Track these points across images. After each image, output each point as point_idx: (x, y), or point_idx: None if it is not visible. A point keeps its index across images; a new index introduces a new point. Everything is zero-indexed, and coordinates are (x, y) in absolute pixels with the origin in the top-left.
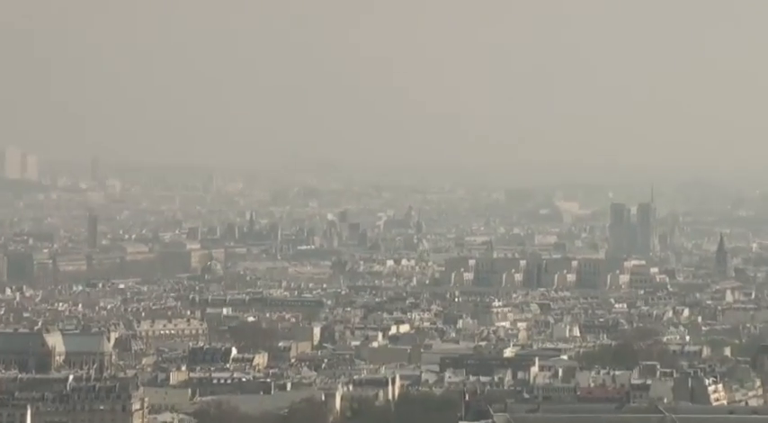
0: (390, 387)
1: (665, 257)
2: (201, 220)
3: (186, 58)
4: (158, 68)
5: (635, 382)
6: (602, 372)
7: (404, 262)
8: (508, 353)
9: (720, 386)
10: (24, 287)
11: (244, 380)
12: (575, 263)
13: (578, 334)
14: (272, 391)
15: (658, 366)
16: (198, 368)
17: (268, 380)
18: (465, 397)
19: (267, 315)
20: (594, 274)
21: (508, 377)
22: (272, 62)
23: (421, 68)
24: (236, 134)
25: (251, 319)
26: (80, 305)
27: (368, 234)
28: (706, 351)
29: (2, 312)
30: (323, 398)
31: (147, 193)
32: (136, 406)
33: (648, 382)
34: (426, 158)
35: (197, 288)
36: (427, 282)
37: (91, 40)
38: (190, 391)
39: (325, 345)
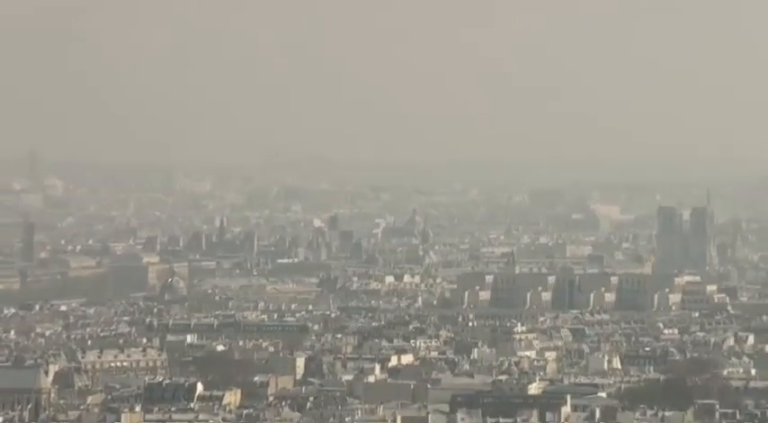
0: None
1: (724, 273)
2: (161, 228)
3: (143, 39)
4: (108, 50)
5: None
6: (649, 413)
7: (407, 278)
8: (534, 389)
9: None
10: None
11: (211, 422)
12: (614, 279)
13: (619, 366)
14: None
15: (718, 406)
16: (155, 409)
17: (241, 422)
18: None
19: (240, 343)
20: (639, 293)
21: (534, 419)
22: (243, 45)
23: (427, 43)
24: (202, 125)
25: (221, 347)
26: (12, 332)
27: (363, 244)
28: None
29: None
30: None
31: (95, 195)
32: None
33: None
34: (433, 153)
35: (155, 310)
36: (435, 302)
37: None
38: None
39: (311, 380)
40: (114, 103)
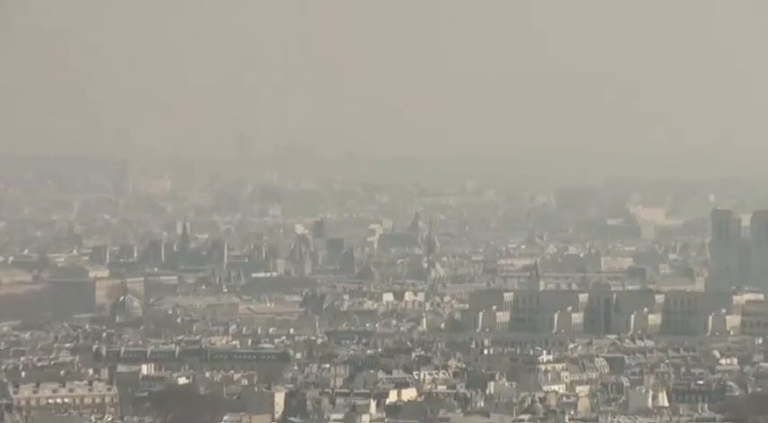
0: None
1: None
2: (111, 236)
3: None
4: (50, 25)
5: None
6: None
7: (408, 296)
8: None
9: None
10: None
11: None
12: (660, 297)
13: (666, 403)
14: None
15: None
16: None
17: None
18: None
19: (207, 375)
20: (689, 315)
21: None
22: (210, 20)
23: (432, 24)
24: (161, 112)
25: (183, 380)
26: None
27: (355, 255)
28: None
29: None
30: None
31: (32, 195)
32: None
33: None
34: (439, 146)
35: (104, 335)
36: (443, 326)
37: None
38: None
39: (292, 419)
40: (57, 88)
